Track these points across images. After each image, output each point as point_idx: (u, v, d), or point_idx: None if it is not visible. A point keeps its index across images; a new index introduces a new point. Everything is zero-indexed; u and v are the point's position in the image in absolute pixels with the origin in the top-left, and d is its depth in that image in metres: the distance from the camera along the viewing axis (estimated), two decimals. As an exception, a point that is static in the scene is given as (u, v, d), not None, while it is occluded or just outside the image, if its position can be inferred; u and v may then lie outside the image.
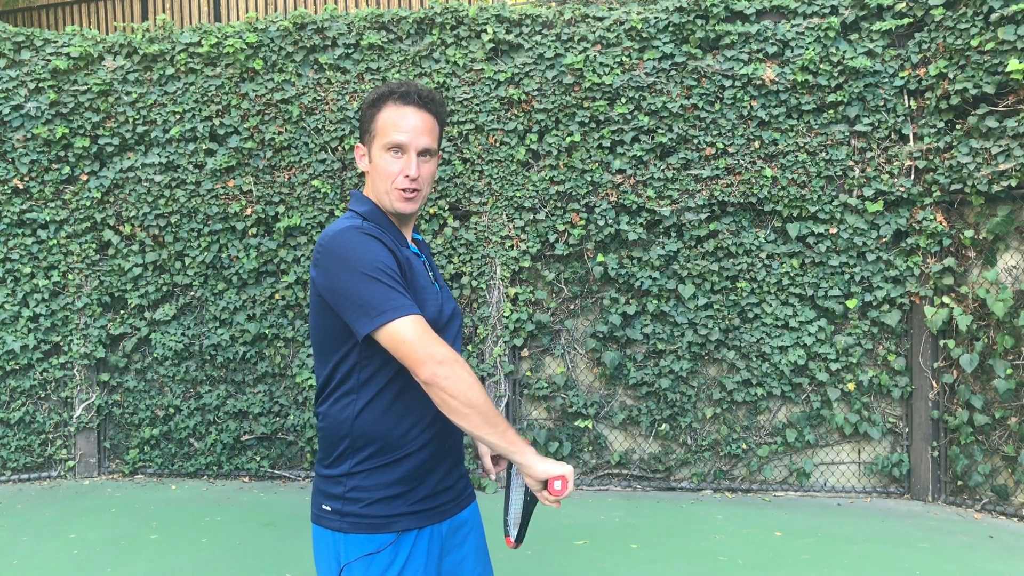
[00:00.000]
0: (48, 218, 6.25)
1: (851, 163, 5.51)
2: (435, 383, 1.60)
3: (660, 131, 5.70)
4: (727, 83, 5.61)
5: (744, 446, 5.70)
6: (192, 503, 5.64)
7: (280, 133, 6.11)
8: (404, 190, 1.78)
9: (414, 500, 1.78)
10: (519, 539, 1.80)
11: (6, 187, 6.20)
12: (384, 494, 1.75)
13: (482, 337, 5.94)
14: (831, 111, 5.53)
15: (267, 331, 6.16)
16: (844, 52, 5.46)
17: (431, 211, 5.95)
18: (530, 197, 5.84)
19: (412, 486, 1.77)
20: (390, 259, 1.68)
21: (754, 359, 5.66)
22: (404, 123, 1.76)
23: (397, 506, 1.76)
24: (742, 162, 5.61)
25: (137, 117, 6.24)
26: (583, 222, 5.79)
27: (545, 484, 1.65)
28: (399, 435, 1.76)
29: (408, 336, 1.61)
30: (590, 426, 5.82)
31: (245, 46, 6.10)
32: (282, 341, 6.19)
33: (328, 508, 1.77)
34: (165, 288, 6.27)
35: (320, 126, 6.07)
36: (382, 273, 1.65)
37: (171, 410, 6.30)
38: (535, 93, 5.83)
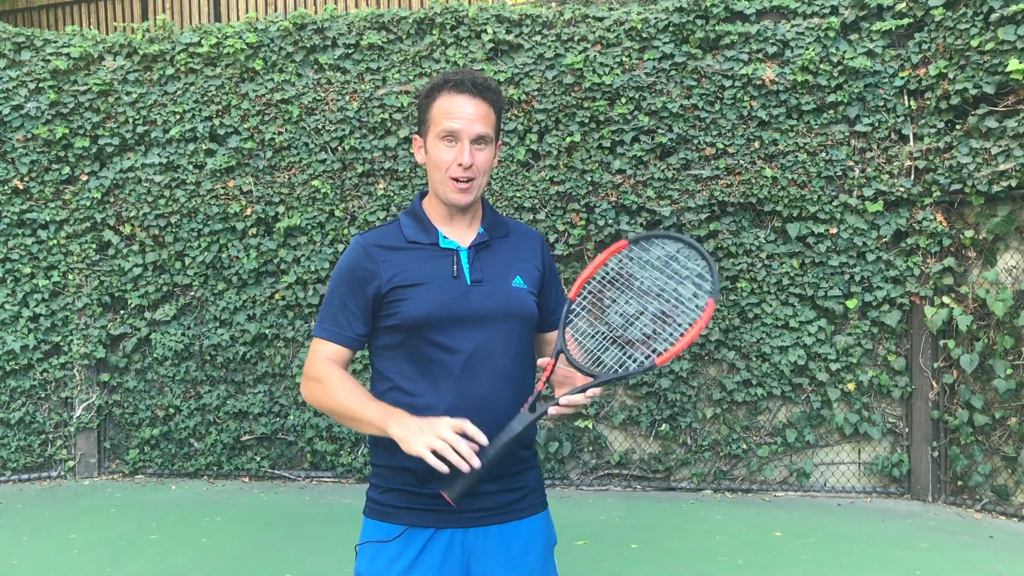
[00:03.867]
0: (48, 218, 6.25)
1: (851, 163, 5.51)
2: (305, 398, 1.86)
3: (660, 131, 5.70)
4: (727, 83, 5.61)
5: (744, 446, 5.70)
6: (192, 503, 5.64)
7: (280, 133, 6.11)
8: (457, 180, 1.76)
9: (429, 497, 1.76)
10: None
11: (6, 187, 6.20)
12: (398, 485, 1.79)
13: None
14: (831, 111, 5.53)
15: (267, 331, 6.16)
16: (844, 52, 5.46)
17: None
18: (530, 197, 5.84)
19: (427, 482, 1.76)
20: (354, 273, 1.80)
21: (754, 359, 5.66)
22: (457, 111, 1.75)
23: (409, 500, 1.78)
24: (742, 162, 5.61)
25: (137, 117, 6.24)
26: (583, 222, 5.79)
27: None
28: None
29: (310, 352, 1.86)
30: (590, 426, 5.83)
31: (245, 46, 6.10)
32: (282, 341, 6.19)
33: (366, 492, 1.89)
34: (165, 288, 6.27)
35: (320, 126, 6.07)
36: (336, 289, 1.82)
37: (171, 410, 6.30)
38: (535, 93, 5.83)
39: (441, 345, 1.76)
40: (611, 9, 5.88)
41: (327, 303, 1.83)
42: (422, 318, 1.75)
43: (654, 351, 1.67)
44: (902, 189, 5.41)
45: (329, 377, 1.77)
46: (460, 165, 1.75)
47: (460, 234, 1.84)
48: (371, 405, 1.70)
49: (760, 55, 5.59)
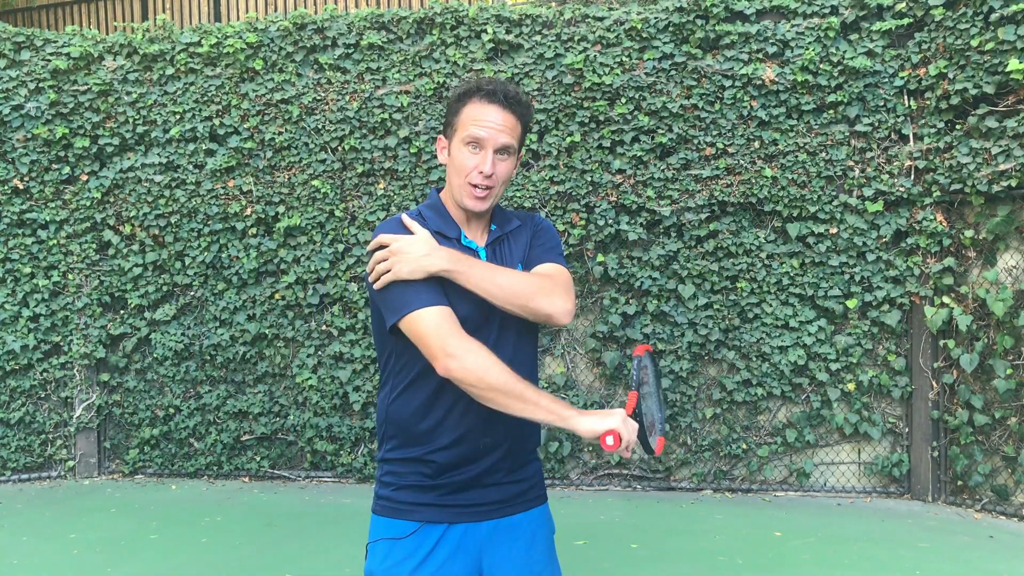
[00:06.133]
0: (48, 218, 6.25)
1: (851, 163, 5.51)
2: (451, 376, 1.66)
3: (660, 131, 5.70)
4: (727, 83, 5.61)
5: (744, 446, 5.70)
6: (192, 503, 5.64)
7: (280, 133, 6.11)
8: (476, 186, 1.78)
9: (444, 493, 1.79)
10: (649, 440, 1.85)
11: (6, 187, 6.20)
12: (413, 482, 1.80)
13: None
14: (831, 111, 5.53)
15: (267, 331, 6.16)
16: (844, 52, 5.46)
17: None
18: (530, 197, 5.84)
19: (443, 480, 1.78)
20: None
21: (754, 359, 5.66)
22: (486, 119, 1.77)
23: (424, 496, 1.79)
24: (742, 162, 5.61)
25: (137, 117, 6.24)
26: (583, 222, 5.78)
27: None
28: (425, 430, 1.78)
29: (424, 329, 1.68)
30: (590, 426, 5.82)
31: (245, 46, 6.10)
32: (282, 341, 6.19)
33: (375, 490, 1.88)
34: (165, 288, 6.27)
35: (320, 126, 6.07)
36: None
37: (171, 410, 6.30)
38: (535, 93, 5.83)
39: None
40: (611, 9, 5.87)
41: (401, 283, 1.71)
42: (462, 317, 1.73)
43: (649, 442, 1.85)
44: (902, 189, 5.41)
45: (485, 351, 1.67)
46: (481, 173, 1.77)
47: (476, 235, 1.88)
48: (544, 393, 1.69)
49: (760, 55, 5.58)
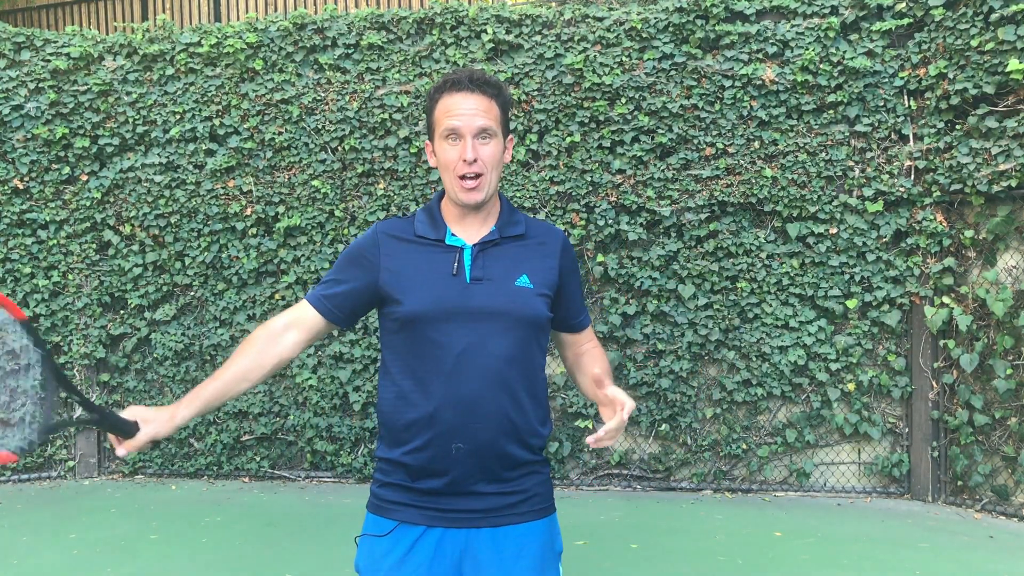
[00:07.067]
0: (48, 218, 6.25)
1: (851, 163, 5.51)
2: None
3: (660, 131, 5.70)
4: (727, 83, 5.61)
5: (744, 446, 5.70)
6: (192, 503, 5.64)
7: (280, 133, 6.11)
8: (464, 177, 1.77)
9: (421, 494, 1.78)
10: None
11: (6, 187, 6.20)
12: (396, 480, 1.81)
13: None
14: (831, 111, 5.53)
15: (267, 331, 6.14)
16: (844, 52, 5.46)
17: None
18: (530, 197, 5.84)
19: (420, 485, 1.77)
20: (356, 256, 1.86)
21: (754, 359, 5.66)
22: (457, 108, 1.76)
23: (401, 495, 1.79)
24: (742, 162, 5.61)
25: (137, 117, 6.24)
26: (583, 222, 5.78)
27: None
28: (401, 427, 1.78)
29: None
30: (590, 426, 5.82)
31: (245, 46, 6.10)
32: (282, 341, 6.18)
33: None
34: (165, 288, 6.27)
35: (320, 126, 6.07)
36: (337, 263, 1.90)
37: (171, 410, 6.29)
38: (535, 93, 5.83)
39: (434, 341, 1.75)
40: (611, 9, 5.87)
41: (328, 272, 1.92)
42: (417, 313, 1.76)
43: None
44: (902, 189, 5.41)
45: (249, 339, 1.86)
46: (465, 161, 1.75)
47: (470, 233, 1.84)
48: (204, 385, 1.76)
49: (760, 55, 5.58)
